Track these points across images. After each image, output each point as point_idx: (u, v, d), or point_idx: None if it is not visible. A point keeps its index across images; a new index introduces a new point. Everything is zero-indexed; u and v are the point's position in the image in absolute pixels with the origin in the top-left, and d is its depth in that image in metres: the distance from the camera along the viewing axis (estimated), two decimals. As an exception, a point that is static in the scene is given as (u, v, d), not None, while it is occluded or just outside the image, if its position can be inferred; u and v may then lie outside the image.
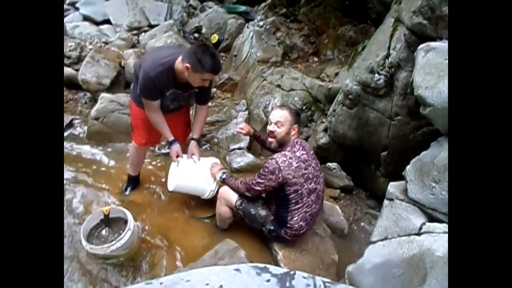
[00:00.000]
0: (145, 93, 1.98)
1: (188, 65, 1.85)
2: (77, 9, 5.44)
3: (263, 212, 1.97)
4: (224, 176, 2.10)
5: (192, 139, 2.27)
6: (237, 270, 1.02)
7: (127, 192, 2.45)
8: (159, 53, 2.04)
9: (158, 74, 1.90)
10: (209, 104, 3.62)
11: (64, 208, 2.25)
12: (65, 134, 3.10)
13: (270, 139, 1.95)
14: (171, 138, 2.15)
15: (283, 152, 1.86)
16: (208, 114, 3.34)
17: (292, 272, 1.03)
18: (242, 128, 2.32)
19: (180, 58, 1.92)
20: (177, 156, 2.19)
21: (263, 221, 1.97)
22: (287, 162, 1.81)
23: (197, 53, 1.83)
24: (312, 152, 2.00)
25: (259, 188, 1.88)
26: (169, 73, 1.93)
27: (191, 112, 2.52)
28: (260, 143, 2.42)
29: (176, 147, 2.18)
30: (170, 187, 2.18)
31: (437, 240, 1.39)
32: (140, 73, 1.95)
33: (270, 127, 1.93)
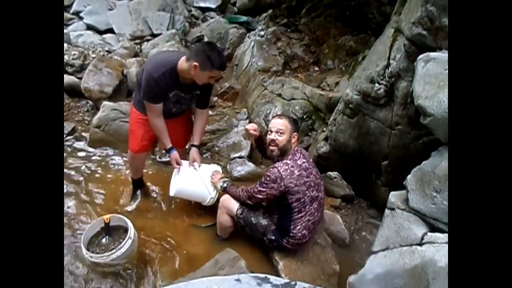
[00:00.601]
0: (148, 95, 1.98)
1: (196, 63, 1.86)
2: (81, 18, 5.53)
3: (264, 222, 1.97)
4: (225, 184, 2.10)
5: (193, 145, 2.27)
6: (238, 280, 1.01)
7: (136, 195, 2.45)
8: (161, 55, 2.08)
9: (161, 75, 1.91)
10: (210, 112, 3.68)
11: (64, 216, 2.25)
12: (67, 141, 3.11)
13: (271, 148, 1.95)
14: (169, 145, 2.16)
15: (284, 161, 1.86)
16: (209, 122, 3.39)
17: (293, 283, 1.03)
18: (255, 130, 2.13)
19: (183, 58, 1.94)
20: (177, 163, 2.20)
21: (264, 230, 1.96)
22: (289, 170, 1.81)
23: (206, 51, 1.86)
24: (311, 160, 2.00)
25: (260, 196, 1.88)
26: (172, 73, 1.94)
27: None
28: (261, 150, 2.38)
29: (175, 154, 2.19)
30: (171, 192, 2.22)
31: (439, 251, 1.38)
32: (143, 76, 1.96)
33: (271, 136, 1.93)
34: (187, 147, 2.52)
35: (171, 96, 2.05)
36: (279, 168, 1.82)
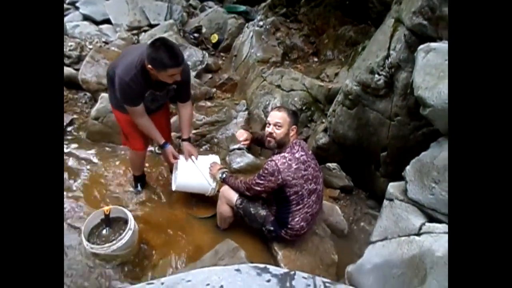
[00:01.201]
0: (126, 100, 1.93)
1: (150, 66, 1.78)
2: (77, 8, 5.45)
3: (263, 212, 1.98)
4: (223, 175, 2.11)
5: (183, 140, 2.24)
6: (238, 270, 1.02)
7: (137, 189, 2.47)
8: (129, 56, 1.94)
9: (133, 77, 1.83)
10: (209, 104, 3.66)
11: (64, 207, 2.26)
12: (65, 133, 3.10)
13: (269, 139, 1.95)
14: (162, 141, 2.13)
15: (282, 154, 1.87)
16: (208, 113, 3.38)
17: (292, 272, 1.04)
18: (246, 140, 2.18)
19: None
20: (174, 157, 2.19)
21: (262, 221, 1.97)
22: (286, 164, 1.82)
23: (152, 53, 1.75)
24: (310, 152, 2.00)
25: (258, 189, 1.89)
26: (143, 74, 1.86)
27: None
28: (259, 144, 2.38)
29: (170, 149, 2.17)
30: (173, 187, 2.24)
31: (437, 241, 1.39)
32: (116, 81, 1.88)
33: (269, 129, 1.93)
34: (180, 140, 2.50)
35: (146, 96, 1.98)
36: (277, 161, 1.82)
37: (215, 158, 2.32)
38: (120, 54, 2.41)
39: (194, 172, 2.19)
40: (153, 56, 1.75)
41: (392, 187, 1.75)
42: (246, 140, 2.19)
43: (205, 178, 2.18)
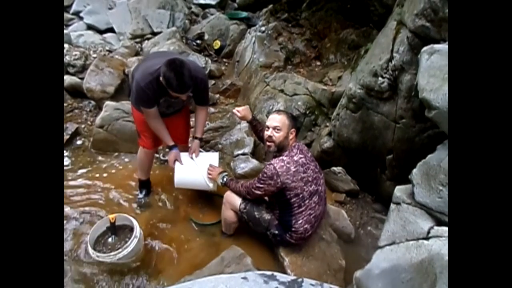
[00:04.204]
0: (140, 102, 2.06)
1: (161, 80, 1.90)
2: (81, 18, 5.53)
3: (267, 216, 1.97)
4: (224, 180, 2.10)
5: (195, 138, 2.34)
6: (245, 278, 1.01)
7: (141, 196, 2.49)
8: (150, 62, 2.07)
9: (148, 84, 1.95)
10: (212, 110, 3.68)
11: (69, 215, 2.26)
12: (71, 142, 3.12)
13: (268, 144, 1.95)
14: (171, 143, 2.22)
15: (281, 158, 1.87)
16: (212, 119, 3.39)
17: (299, 280, 1.03)
18: (238, 111, 2.27)
19: None
20: (176, 161, 2.24)
21: (267, 225, 1.96)
22: (285, 167, 1.81)
23: (165, 72, 1.86)
24: (310, 154, 2.00)
25: (259, 192, 1.89)
26: (158, 82, 1.94)
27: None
28: (255, 133, 2.39)
29: (175, 152, 2.24)
30: (175, 184, 2.28)
31: (446, 244, 1.37)
32: (133, 84, 2.02)
33: (268, 132, 1.94)
34: (190, 139, 2.55)
35: (161, 102, 2.10)
36: (275, 165, 1.82)
37: (214, 157, 2.31)
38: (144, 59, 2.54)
39: (192, 170, 2.22)
40: (166, 76, 1.86)
41: (399, 191, 1.73)
42: (243, 117, 2.27)
43: (203, 176, 2.19)
